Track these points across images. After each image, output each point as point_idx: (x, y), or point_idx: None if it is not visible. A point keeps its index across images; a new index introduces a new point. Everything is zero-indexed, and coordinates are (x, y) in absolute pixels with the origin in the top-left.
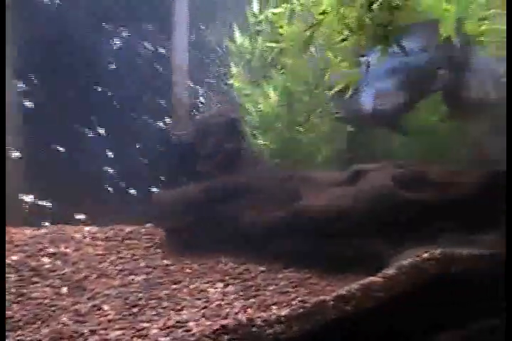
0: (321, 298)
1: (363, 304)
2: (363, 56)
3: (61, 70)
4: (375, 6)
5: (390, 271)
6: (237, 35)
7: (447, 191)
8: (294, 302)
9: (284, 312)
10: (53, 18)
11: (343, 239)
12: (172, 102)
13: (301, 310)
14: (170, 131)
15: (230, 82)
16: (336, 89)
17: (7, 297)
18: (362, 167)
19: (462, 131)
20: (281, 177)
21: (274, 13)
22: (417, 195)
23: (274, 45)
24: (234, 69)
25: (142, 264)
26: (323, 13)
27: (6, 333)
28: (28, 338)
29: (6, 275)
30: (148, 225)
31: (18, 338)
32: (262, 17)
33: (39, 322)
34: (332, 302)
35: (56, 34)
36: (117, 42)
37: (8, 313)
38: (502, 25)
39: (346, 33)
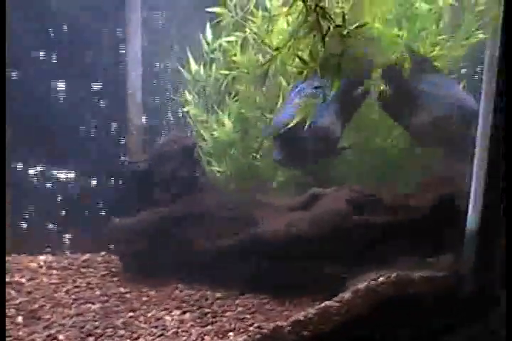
0: (278, 323)
1: (320, 328)
2: (316, 88)
3: None
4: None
5: (346, 295)
6: (192, 62)
7: (401, 214)
8: (251, 329)
9: (241, 338)
10: None
11: (299, 263)
12: (127, 129)
13: (258, 336)
14: (125, 158)
15: (185, 109)
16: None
17: None
18: (317, 191)
19: (413, 154)
20: (237, 203)
21: (227, 42)
22: (371, 219)
23: (227, 72)
24: (188, 97)
25: (98, 292)
26: (277, 48)
27: None
28: None
29: None
30: (103, 253)
31: None
32: (215, 45)
33: None
34: (289, 328)
35: None
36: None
37: None
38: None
39: (300, 65)
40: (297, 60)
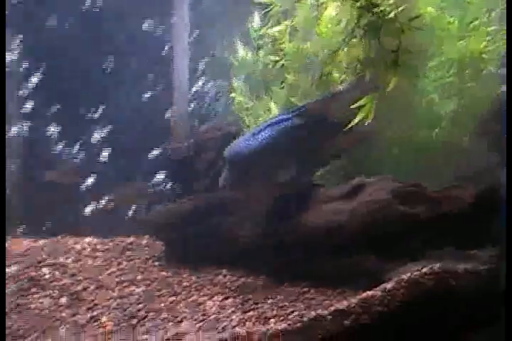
0: (319, 312)
1: (361, 318)
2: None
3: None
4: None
5: (389, 285)
6: (240, 48)
7: (444, 205)
8: (291, 317)
9: (281, 326)
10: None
11: (340, 253)
12: (171, 114)
13: (299, 324)
14: (167, 144)
15: (231, 95)
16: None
17: (7, 307)
18: (361, 181)
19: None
20: (283, 190)
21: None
22: (414, 210)
23: (275, 58)
24: (235, 83)
25: (141, 276)
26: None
27: None
28: None
29: (6, 285)
30: (147, 237)
31: None
32: (263, 31)
33: (38, 333)
34: (330, 317)
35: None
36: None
37: (7, 324)
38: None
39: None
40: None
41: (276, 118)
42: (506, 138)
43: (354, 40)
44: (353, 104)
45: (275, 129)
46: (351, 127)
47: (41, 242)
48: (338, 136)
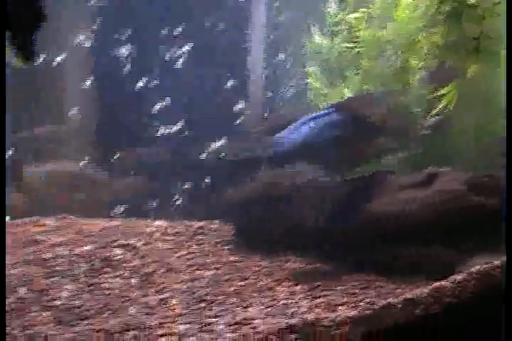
0: (390, 300)
1: (431, 308)
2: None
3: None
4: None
5: (460, 277)
6: (316, 34)
7: None
8: (361, 304)
9: (351, 313)
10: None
11: (411, 242)
12: (247, 99)
13: (369, 311)
14: (243, 128)
15: (307, 81)
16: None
17: (79, 286)
18: (434, 170)
19: None
20: (353, 179)
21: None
22: (489, 201)
23: (351, 45)
24: (311, 69)
25: (210, 260)
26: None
27: (76, 321)
28: (98, 327)
29: (78, 265)
30: (217, 221)
31: (87, 327)
32: (339, 17)
33: (108, 312)
34: (400, 306)
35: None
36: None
37: (78, 303)
38: None
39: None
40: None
41: (319, 113)
42: (506, 138)
43: (434, 26)
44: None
45: (317, 123)
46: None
47: (115, 223)
48: (376, 135)
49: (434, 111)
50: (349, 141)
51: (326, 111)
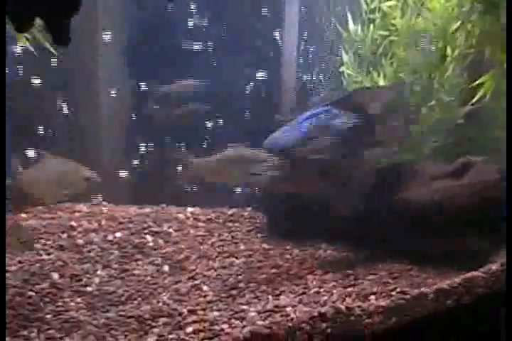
0: (422, 290)
1: (463, 299)
2: None
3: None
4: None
5: (494, 267)
6: (350, 22)
7: None
8: (393, 293)
9: (383, 302)
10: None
11: (444, 232)
12: (280, 86)
13: (401, 301)
14: (278, 116)
15: (341, 69)
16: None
17: (111, 272)
18: (469, 160)
19: None
20: (385, 168)
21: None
22: None
23: (385, 33)
24: (345, 57)
25: (242, 247)
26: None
27: (108, 307)
28: (129, 313)
29: (110, 251)
30: (249, 209)
31: (120, 313)
32: (374, 5)
33: (140, 299)
34: (432, 295)
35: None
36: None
37: (110, 289)
38: None
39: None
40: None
41: (319, 109)
42: (506, 138)
43: (470, 15)
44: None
45: (316, 120)
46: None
47: (147, 210)
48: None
49: (473, 100)
50: (352, 134)
51: (324, 109)
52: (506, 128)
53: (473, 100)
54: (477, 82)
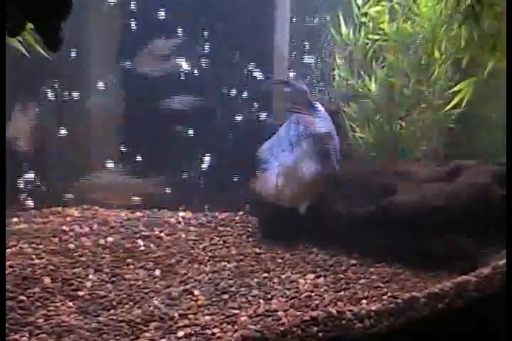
0: (413, 294)
1: (455, 303)
2: None
3: None
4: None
5: (485, 271)
6: (342, 25)
7: None
8: (384, 298)
9: (374, 306)
10: None
11: (436, 236)
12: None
13: (392, 305)
14: (266, 119)
15: (333, 72)
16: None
17: (102, 276)
18: (460, 163)
19: None
20: (377, 171)
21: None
22: None
23: (375, 37)
24: (338, 60)
25: (234, 251)
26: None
27: (100, 312)
28: (120, 318)
29: (102, 255)
30: (240, 213)
31: (111, 317)
32: (365, 9)
33: (131, 303)
34: (424, 300)
35: None
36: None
37: (102, 293)
38: None
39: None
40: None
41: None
42: (506, 138)
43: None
44: None
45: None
46: None
47: (138, 214)
48: None
49: (447, 107)
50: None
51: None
52: (506, 128)
53: (448, 107)
54: (453, 89)
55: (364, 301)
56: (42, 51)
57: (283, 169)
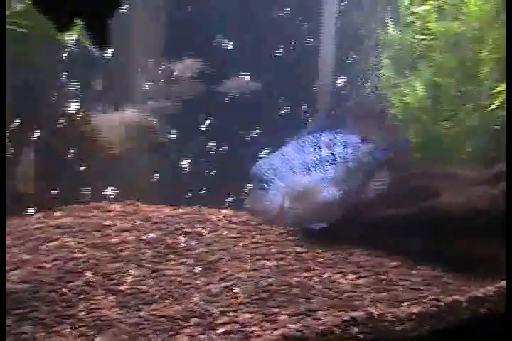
0: (455, 297)
1: (497, 307)
2: None
3: None
4: None
5: None
6: (389, 24)
7: None
8: (426, 300)
9: (415, 309)
10: None
11: (480, 239)
12: (316, 89)
13: (434, 308)
14: (311, 119)
15: (379, 72)
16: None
17: (143, 271)
18: (505, 167)
19: None
20: (421, 172)
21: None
22: None
23: (422, 37)
24: (384, 60)
25: (274, 250)
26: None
27: (140, 306)
28: (161, 313)
29: (143, 250)
30: None
31: (151, 312)
32: (412, 9)
33: (172, 299)
34: (466, 303)
35: None
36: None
37: (143, 288)
38: None
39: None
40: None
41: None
42: (506, 138)
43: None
44: None
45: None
46: None
47: (180, 211)
48: None
49: (490, 108)
50: None
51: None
52: (506, 129)
53: (491, 107)
54: (498, 89)
55: (405, 303)
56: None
57: (295, 191)
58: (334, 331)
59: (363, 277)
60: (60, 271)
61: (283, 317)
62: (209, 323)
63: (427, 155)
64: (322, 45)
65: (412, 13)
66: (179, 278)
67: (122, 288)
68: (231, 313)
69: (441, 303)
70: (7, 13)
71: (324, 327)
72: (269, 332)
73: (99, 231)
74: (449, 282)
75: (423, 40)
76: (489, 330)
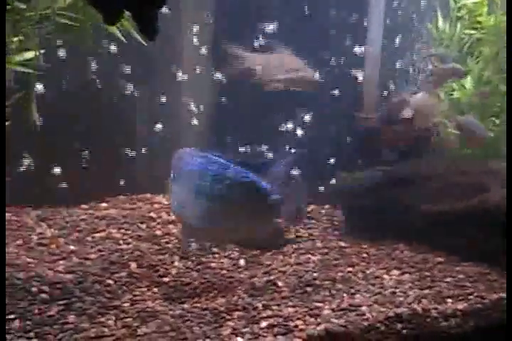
0: (501, 295)
1: None
2: None
3: None
4: None
5: None
6: (440, 19)
7: None
8: (470, 297)
9: (460, 306)
10: None
11: None
12: (362, 84)
13: (479, 305)
14: (356, 115)
15: (429, 67)
16: None
17: (188, 264)
18: None
19: None
20: (469, 169)
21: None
22: None
23: (471, 32)
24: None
25: (319, 244)
26: None
27: (184, 299)
28: (204, 305)
29: (188, 243)
30: (327, 206)
31: (195, 305)
32: (462, 3)
33: (215, 292)
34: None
35: None
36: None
37: (186, 280)
38: None
39: None
40: None
41: None
42: (506, 138)
43: None
44: None
45: None
46: None
47: None
48: None
49: None
50: None
51: None
52: (506, 127)
53: None
54: None
55: (449, 300)
56: (139, 38)
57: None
58: (378, 327)
59: (406, 273)
60: (105, 262)
61: (326, 311)
62: (253, 317)
63: (477, 151)
64: (369, 42)
65: (461, 7)
66: (223, 271)
67: (166, 280)
68: (275, 307)
69: (487, 300)
70: (61, 6)
71: (368, 323)
72: (312, 326)
73: (144, 223)
74: (495, 279)
75: (472, 34)
76: None
